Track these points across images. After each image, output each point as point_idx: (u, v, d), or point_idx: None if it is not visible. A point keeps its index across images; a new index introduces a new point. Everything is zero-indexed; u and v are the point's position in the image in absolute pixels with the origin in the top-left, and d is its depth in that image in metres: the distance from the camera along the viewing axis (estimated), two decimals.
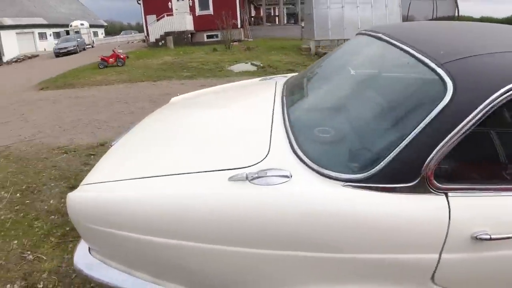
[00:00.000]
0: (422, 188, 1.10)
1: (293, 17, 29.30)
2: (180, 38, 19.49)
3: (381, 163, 1.11)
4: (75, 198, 1.48)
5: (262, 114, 1.79)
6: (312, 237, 1.14)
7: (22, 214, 3.03)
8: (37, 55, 24.52)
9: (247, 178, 1.19)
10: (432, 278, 1.17)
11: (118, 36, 36.55)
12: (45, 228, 2.81)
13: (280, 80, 2.59)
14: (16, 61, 22.80)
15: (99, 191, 1.46)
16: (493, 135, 1.61)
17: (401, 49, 1.46)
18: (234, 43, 17.15)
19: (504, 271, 1.19)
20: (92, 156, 4.12)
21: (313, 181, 1.17)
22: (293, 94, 1.98)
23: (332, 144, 1.43)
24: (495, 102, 1.08)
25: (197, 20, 20.49)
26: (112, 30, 48.54)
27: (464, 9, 17.87)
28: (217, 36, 21.59)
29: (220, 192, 1.22)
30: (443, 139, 1.08)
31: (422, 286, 1.19)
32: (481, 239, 1.09)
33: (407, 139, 1.10)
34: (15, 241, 2.68)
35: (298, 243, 1.15)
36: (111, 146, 2.09)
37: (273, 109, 1.77)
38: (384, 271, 1.17)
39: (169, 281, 1.39)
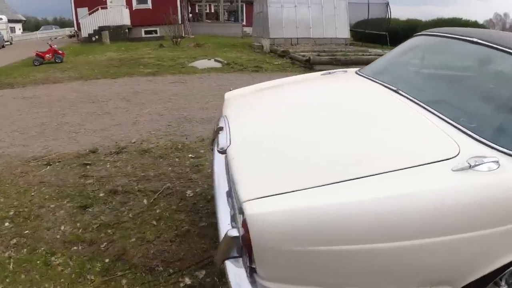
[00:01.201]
0: None
1: (233, 15, 28.97)
2: (117, 33, 17.97)
3: None
4: (262, 218, 1.21)
5: (395, 107, 1.86)
6: None
7: (25, 249, 2.28)
8: None
9: (471, 166, 1.28)
10: None
11: (38, 32, 32.64)
12: (72, 264, 2.15)
13: (345, 73, 2.75)
14: None
15: (288, 204, 1.22)
16: None
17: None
18: (178, 39, 16.23)
19: None
20: (88, 167, 3.38)
21: None
22: (413, 89, 2.02)
23: None
24: None
25: (134, 14, 19.07)
26: (27, 26, 43.15)
27: (393, 12, 19.51)
28: (156, 32, 20.39)
29: (452, 183, 1.26)
30: None
31: None
32: None
33: None
34: None
35: None
36: (221, 149, 1.70)
37: (405, 103, 1.85)
38: None
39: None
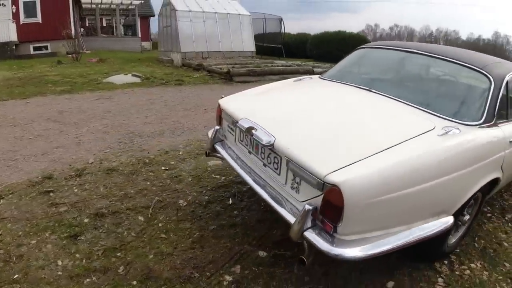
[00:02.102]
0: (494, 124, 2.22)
1: (130, 29, 27.73)
2: (3, 51, 15.69)
3: (484, 116, 2.17)
4: (350, 182, 1.58)
5: (378, 101, 2.41)
6: (481, 154, 2.08)
7: None
8: None
9: (447, 132, 1.95)
10: (501, 167, 2.27)
11: None
12: None
13: (311, 79, 3.23)
14: None
15: (361, 169, 1.65)
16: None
17: (444, 59, 2.55)
18: (71, 55, 14.90)
19: None
20: (52, 194, 3.05)
21: (468, 129, 2.06)
22: (376, 85, 2.62)
23: (464, 108, 2.34)
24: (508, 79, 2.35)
25: (22, 29, 16.85)
26: None
27: (286, 27, 21.44)
28: (46, 48, 18.41)
29: (441, 144, 1.90)
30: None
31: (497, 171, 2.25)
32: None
33: (487, 103, 2.20)
34: None
35: (479, 158, 2.06)
36: (268, 143, 1.96)
37: (379, 96, 2.44)
38: (491, 166, 2.19)
39: (417, 221, 1.81)
